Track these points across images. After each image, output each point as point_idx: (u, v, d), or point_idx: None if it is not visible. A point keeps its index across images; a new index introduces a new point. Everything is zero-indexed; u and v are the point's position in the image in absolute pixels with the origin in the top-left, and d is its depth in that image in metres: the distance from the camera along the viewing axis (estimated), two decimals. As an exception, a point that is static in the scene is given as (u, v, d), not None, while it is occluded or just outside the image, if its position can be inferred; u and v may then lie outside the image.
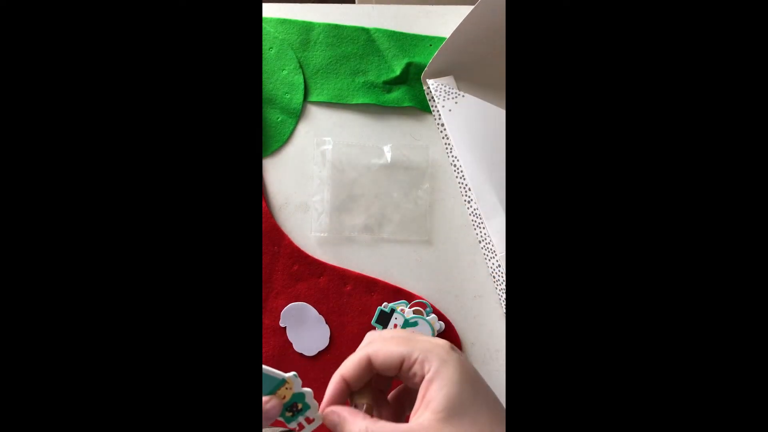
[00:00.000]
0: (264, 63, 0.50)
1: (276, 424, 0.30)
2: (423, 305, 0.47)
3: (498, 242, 0.46)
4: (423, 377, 0.26)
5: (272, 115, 0.51)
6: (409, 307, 0.47)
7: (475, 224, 0.49)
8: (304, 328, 0.47)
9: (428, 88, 0.50)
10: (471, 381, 0.26)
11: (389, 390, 0.32)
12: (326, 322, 0.47)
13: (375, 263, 0.49)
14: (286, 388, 0.29)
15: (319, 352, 0.47)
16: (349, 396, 0.29)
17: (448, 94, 0.49)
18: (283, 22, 0.51)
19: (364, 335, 0.50)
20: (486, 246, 0.49)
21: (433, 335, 0.47)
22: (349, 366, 0.29)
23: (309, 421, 0.29)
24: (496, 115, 0.48)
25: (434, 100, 0.50)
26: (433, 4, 0.53)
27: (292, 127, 0.51)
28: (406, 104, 0.50)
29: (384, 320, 0.47)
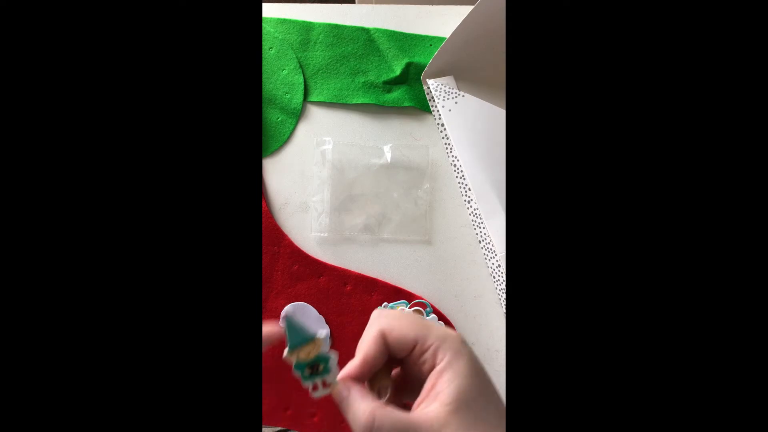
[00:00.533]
0: (264, 63, 0.50)
1: (293, 382, 0.28)
2: (423, 305, 0.47)
3: (498, 242, 0.46)
4: (433, 366, 0.26)
5: (272, 115, 0.50)
6: (409, 307, 0.47)
7: (475, 224, 0.49)
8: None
9: (428, 88, 0.50)
10: (480, 376, 0.26)
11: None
12: (326, 323, 0.47)
13: (375, 263, 0.49)
14: (313, 346, 0.27)
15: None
16: (369, 378, 0.28)
17: (448, 94, 0.49)
18: (283, 22, 0.51)
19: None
20: (486, 246, 0.49)
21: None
22: (365, 343, 0.27)
23: (325, 384, 0.28)
24: (497, 115, 0.48)
25: (434, 100, 0.50)
26: (433, 4, 0.53)
27: (291, 127, 0.51)
28: (406, 104, 0.50)
29: (384, 320, 0.47)
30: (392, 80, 0.50)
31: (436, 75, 0.50)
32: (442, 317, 0.48)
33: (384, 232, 0.49)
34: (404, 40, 0.51)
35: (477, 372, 0.25)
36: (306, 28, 0.51)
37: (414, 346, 0.26)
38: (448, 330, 0.27)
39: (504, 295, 0.48)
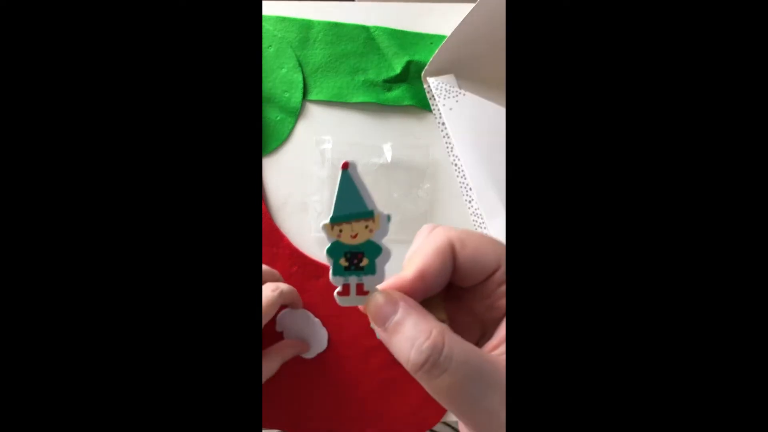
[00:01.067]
0: (263, 61, 0.50)
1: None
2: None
3: (500, 243, 0.46)
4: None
5: (271, 114, 0.50)
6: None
7: (476, 224, 0.49)
8: (302, 332, 0.46)
9: (429, 86, 0.49)
10: None
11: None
12: (324, 325, 0.47)
13: (375, 264, 0.49)
14: (367, 226, 0.19)
15: (319, 354, 0.47)
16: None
17: (449, 93, 0.48)
18: (282, 20, 0.51)
19: (363, 337, 0.49)
20: (487, 246, 0.48)
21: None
22: (424, 253, 0.20)
23: (362, 290, 0.20)
24: (498, 114, 0.48)
25: (435, 99, 0.49)
26: (434, 2, 0.53)
27: (291, 126, 0.50)
28: (406, 103, 0.50)
29: (384, 322, 0.46)
30: (392, 78, 0.50)
31: (436, 73, 0.49)
32: (442, 319, 0.47)
33: (384, 232, 0.49)
34: (404, 38, 0.51)
35: None
36: (305, 26, 0.51)
37: (493, 272, 0.20)
38: None
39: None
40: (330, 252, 0.20)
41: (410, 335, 0.18)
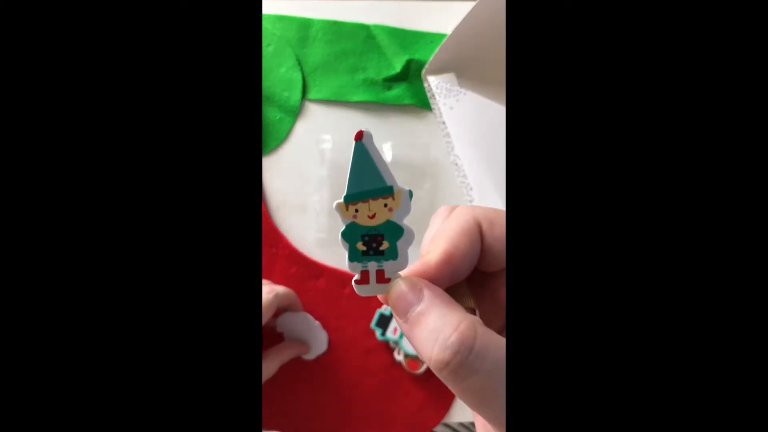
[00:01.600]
0: (261, 60, 0.50)
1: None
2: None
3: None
4: None
5: (270, 113, 0.50)
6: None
7: (477, 224, 0.48)
8: (302, 335, 0.46)
9: (429, 85, 0.49)
10: None
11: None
12: (323, 327, 0.46)
13: (375, 264, 0.48)
14: (385, 205, 0.17)
15: (319, 356, 0.46)
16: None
17: (450, 92, 0.48)
18: (281, 18, 0.50)
19: (363, 338, 0.49)
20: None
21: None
22: (449, 234, 0.17)
23: (382, 277, 0.18)
24: (498, 113, 0.47)
25: (435, 98, 0.49)
26: (434, 0, 0.52)
27: (290, 126, 0.50)
28: (406, 102, 0.50)
29: (384, 323, 0.46)
30: (392, 77, 0.50)
31: (437, 72, 0.49)
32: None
33: (384, 232, 0.48)
34: (405, 37, 0.51)
35: None
36: (304, 24, 0.50)
37: None
38: None
39: (507, 297, 0.47)
40: (345, 235, 0.17)
41: (434, 327, 0.15)
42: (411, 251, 0.18)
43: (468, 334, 0.15)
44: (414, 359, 0.45)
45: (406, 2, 0.52)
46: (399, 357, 0.45)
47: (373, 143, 0.17)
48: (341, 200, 0.17)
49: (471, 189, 0.48)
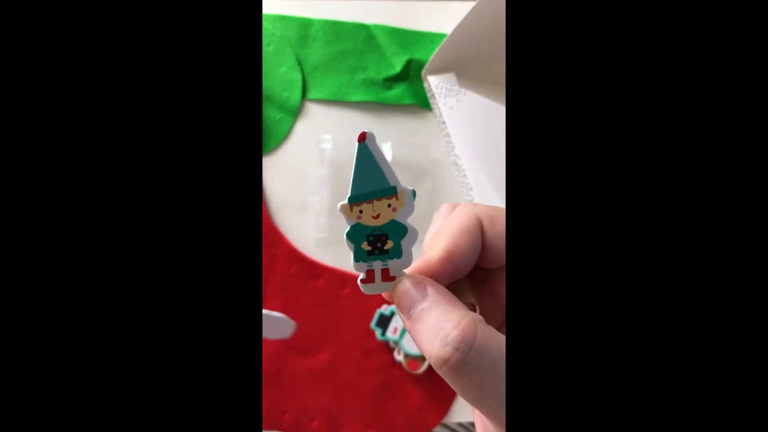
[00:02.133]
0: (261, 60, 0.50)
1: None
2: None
3: (501, 243, 0.46)
4: None
5: (270, 113, 0.50)
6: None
7: (477, 224, 0.48)
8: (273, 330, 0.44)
9: (429, 85, 0.49)
10: None
11: None
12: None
13: (375, 264, 0.48)
14: (388, 205, 0.18)
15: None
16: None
17: (450, 92, 0.48)
18: (281, 18, 0.50)
19: (363, 339, 0.49)
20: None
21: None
22: (450, 232, 0.18)
23: (387, 275, 0.18)
24: (498, 113, 0.47)
25: (435, 98, 0.49)
26: (434, 0, 0.52)
27: (290, 126, 0.50)
28: (406, 102, 0.50)
29: (384, 323, 0.46)
30: (392, 77, 0.50)
31: (437, 72, 0.49)
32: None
33: (384, 232, 0.48)
34: (405, 37, 0.51)
35: None
36: (304, 24, 0.50)
37: None
38: None
39: (507, 297, 0.47)
40: (350, 236, 0.18)
41: (436, 323, 0.16)
42: (414, 249, 0.19)
43: (468, 331, 0.16)
44: (414, 359, 0.45)
45: (406, 2, 0.52)
46: (399, 357, 0.45)
47: (376, 144, 0.17)
48: (345, 201, 0.18)
49: (471, 189, 0.48)
